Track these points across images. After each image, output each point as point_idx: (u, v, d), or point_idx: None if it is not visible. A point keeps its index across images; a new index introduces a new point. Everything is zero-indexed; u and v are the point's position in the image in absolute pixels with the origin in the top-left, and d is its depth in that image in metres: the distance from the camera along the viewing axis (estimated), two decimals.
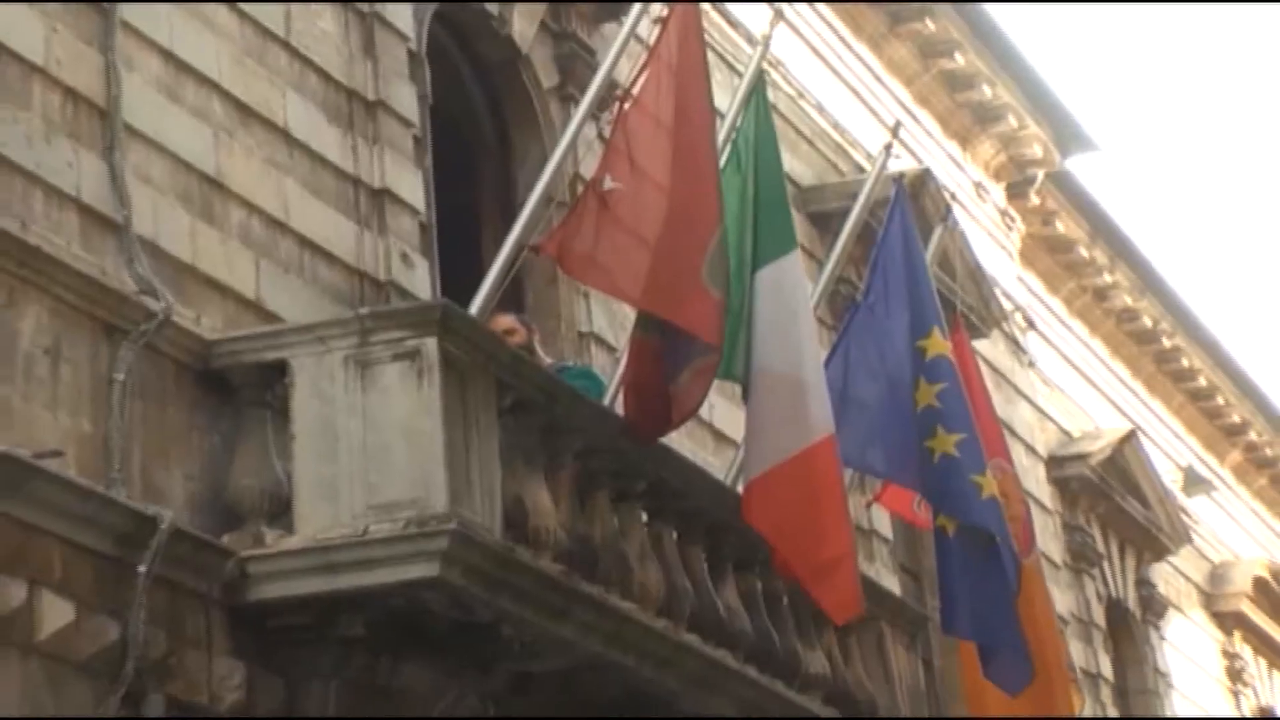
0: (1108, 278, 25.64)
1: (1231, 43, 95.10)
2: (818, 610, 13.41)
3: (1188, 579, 26.70)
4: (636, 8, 13.02)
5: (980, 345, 18.36)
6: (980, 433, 14.49)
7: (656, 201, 11.79)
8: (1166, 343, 27.11)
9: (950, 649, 17.34)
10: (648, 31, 13.02)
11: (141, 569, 9.72)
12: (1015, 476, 16.43)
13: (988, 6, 21.31)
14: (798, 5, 18.40)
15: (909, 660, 15.10)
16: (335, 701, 10.57)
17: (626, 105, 12.23)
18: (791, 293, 12.92)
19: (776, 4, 15.69)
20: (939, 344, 14.27)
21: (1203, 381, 28.14)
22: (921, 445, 13.90)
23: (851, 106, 19.71)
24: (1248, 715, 27.73)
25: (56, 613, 9.36)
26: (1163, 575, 25.36)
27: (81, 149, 10.38)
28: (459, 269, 13.06)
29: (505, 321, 12.12)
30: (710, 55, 12.86)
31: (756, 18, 16.22)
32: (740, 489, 13.34)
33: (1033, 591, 15.15)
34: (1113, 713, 22.89)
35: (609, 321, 14.42)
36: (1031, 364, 22.91)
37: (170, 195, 10.86)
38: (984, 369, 16.93)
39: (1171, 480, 26.46)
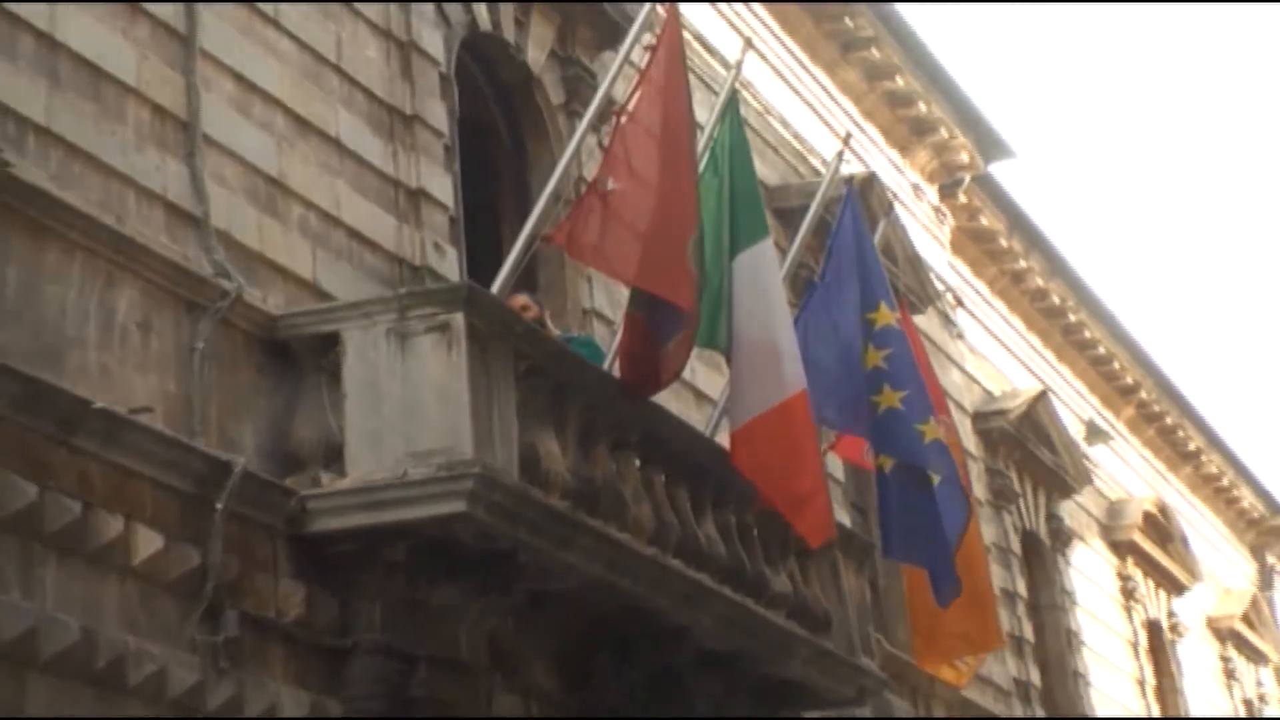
0: (1023, 263, 25.74)
1: (1124, 62, 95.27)
2: (783, 539, 13.46)
3: (1089, 514, 26.75)
4: (630, 37, 13.07)
5: (918, 320, 18.36)
6: (928, 390, 14.56)
7: (647, 199, 11.81)
8: (1072, 317, 27.19)
9: (892, 572, 17.41)
10: (640, 57, 13.05)
11: (218, 506, 9.77)
12: (954, 428, 16.47)
13: (924, 36, 21.37)
14: (764, 34, 18.43)
15: (857, 582, 15.10)
16: (381, 616, 10.61)
17: (623, 119, 12.26)
18: (765, 273, 12.98)
19: (746, 35, 15.85)
20: (886, 315, 14.32)
21: (1102, 350, 28.22)
22: (869, 401, 13.97)
23: (809, 120, 19.75)
24: (1139, 628, 27.77)
25: (148, 542, 9.39)
26: (1068, 511, 25.41)
27: (167, 155, 10.42)
28: (482, 256, 13.08)
29: (521, 299, 12.13)
30: (691, 77, 12.89)
31: (730, 46, 16.23)
32: (718, 440, 13.41)
33: (972, 526, 15.20)
34: (1027, 625, 22.92)
35: (608, 300, 14.44)
36: (960, 335, 22.95)
37: (241, 194, 10.89)
38: (922, 340, 16.94)
39: (1076, 431, 26.51)
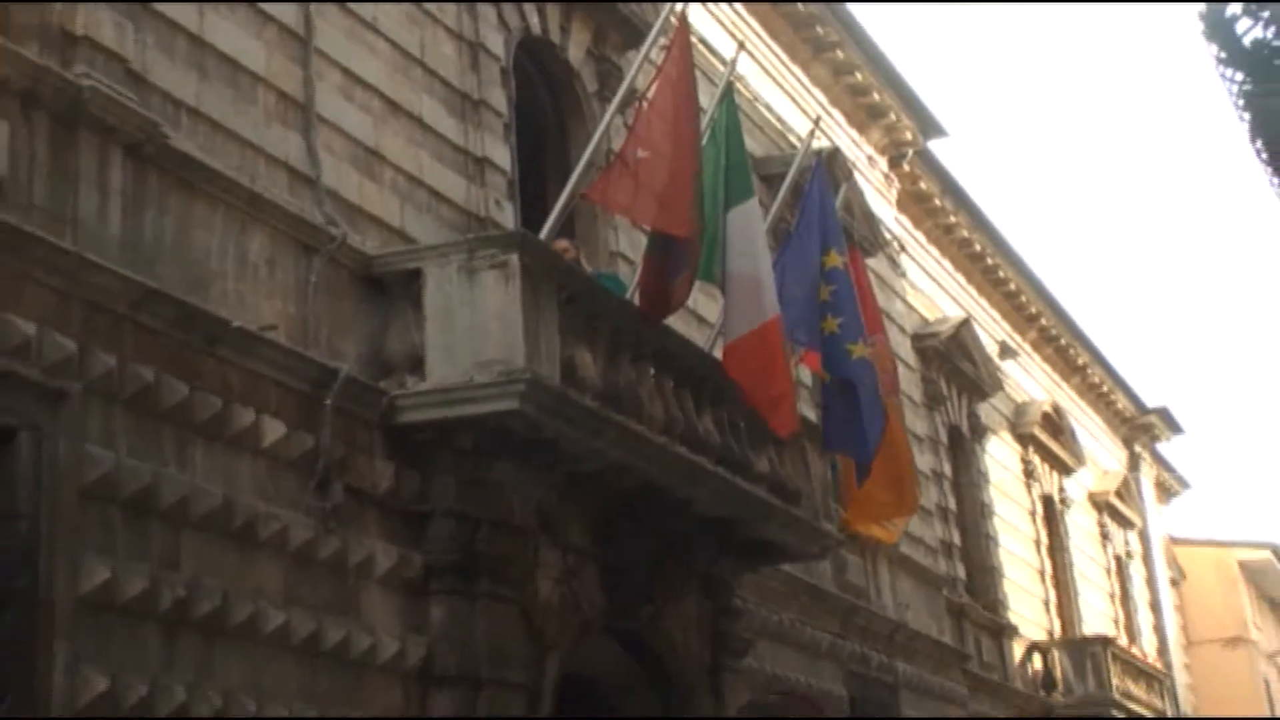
0: (952, 219, 25.66)
1: (1034, 61, 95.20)
2: (763, 431, 13.43)
3: (1000, 413, 26.76)
4: (650, 40, 13.00)
5: (870, 262, 18.32)
6: (864, 318, 14.52)
7: (662, 165, 11.81)
8: (989, 261, 27.12)
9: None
10: (657, 56, 12.98)
11: (328, 402, 9.80)
12: (888, 346, 16.45)
13: (878, 39, 21.30)
14: (754, 39, 18.33)
15: (820, 464, 15.11)
16: (452, 488, 10.62)
17: (643, 104, 12.26)
18: (751, 224, 12.96)
19: (739, 39, 15.80)
20: (834, 259, 14.29)
21: (1012, 286, 28.17)
22: (820, 325, 14.00)
23: (788, 106, 19.66)
24: (1036, 500, 27.82)
25: (273, 430, 9.42)
26: (984, 411, 25.41)
27: (289, 131, 10.40)
28: (532, 210, 13.03)
29: (562, 244, 12.09)
30: (696, 72, 12.81)
31: (727, 48, 16.18)
32: (714, 354, 13.40)
33: (894, 418, 15.22)
34: (950, 498, 22.96)
35: (630, 245, 14.43)
36: (903, 274, 22.89)
37: (345, 161, 10.87)
38: (872, 278, 16.90)
39: (991, 349, 26.48)
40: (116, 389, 8.35)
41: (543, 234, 11.49)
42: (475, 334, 10.48)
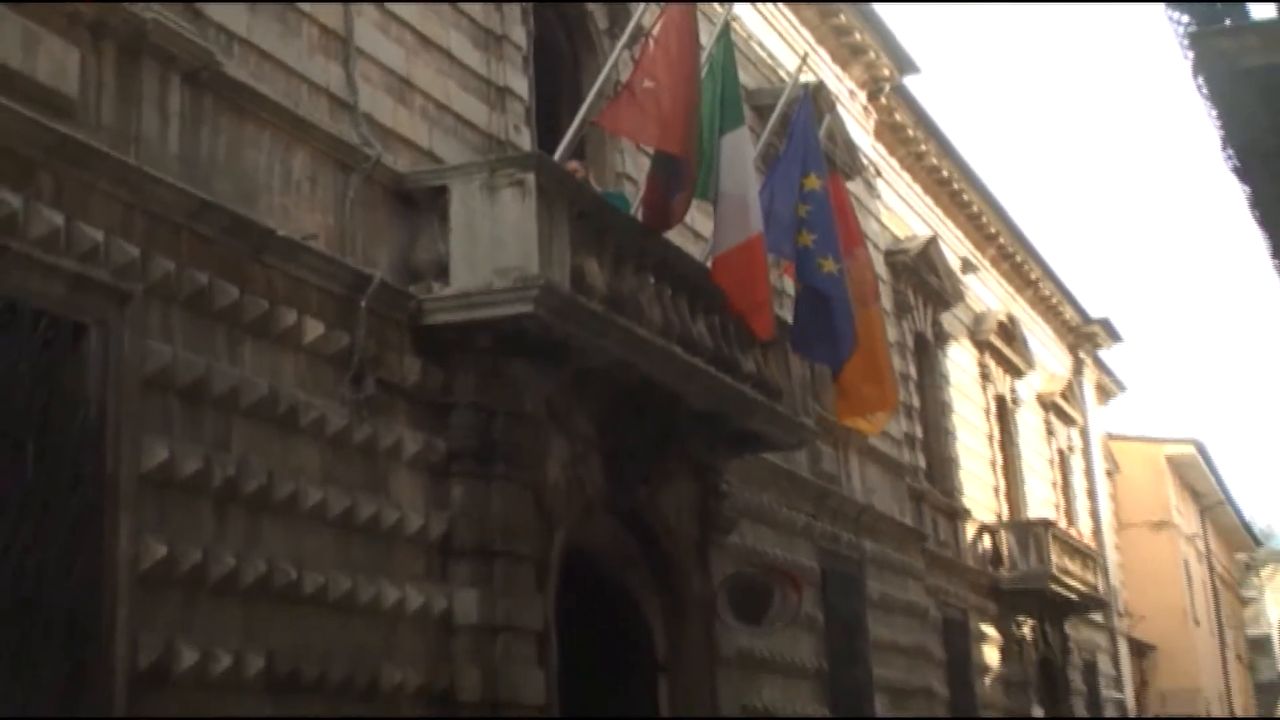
0: (923, 148, 25.46)
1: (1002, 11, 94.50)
2: (750, 333, 13.44)
3: (961, 321, 26.70)
4: None
5: (850, 185, 18.22)
6: (841, 235, 14.46)
7: (664, 95, 11.72)
8: (955, 185, 26.94)
9: None
10: None
11: (362, 304, 9.77)
12: (869, 260, 16.38)
13: None
14: None
15: (800, 365, 15.12)
16: (473, 383, 10.61)
17: (649, 41, 12.14)
18: (742, 149, 12.91)
19: None
20: (813, 182, 14.19)
21: (975, 208, 28.00)
22: (796, 239, 13.94)
23: (778, 45, 19.45)
24: (990, 400, 27.84)
25: (314, 329, 9.40)
26: (946, 320, 25.36)
27: (330, 61, 10.30)
28: (547, 135, 12.92)
29: (573, 165, 12.00)
30: (697, 12, 12.65)
31: None
32: (709, 264, 13.36)
33: (874, 323, 15.20)
34: (915, 397, 22.99)
35: (634, 166, 14.33)
36: (878, 196, 22.75)
37: (381, 89, 10.76)
38: (851, 199, 16.81)
39: (954, 264, 26.37)
40: (175, 290, 8.33)
41: (556, 156, 11.43)
42: (495, 245, 10.43)
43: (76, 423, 7.56)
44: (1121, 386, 41.34)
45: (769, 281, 13.13)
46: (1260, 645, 68.84)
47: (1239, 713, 53.77)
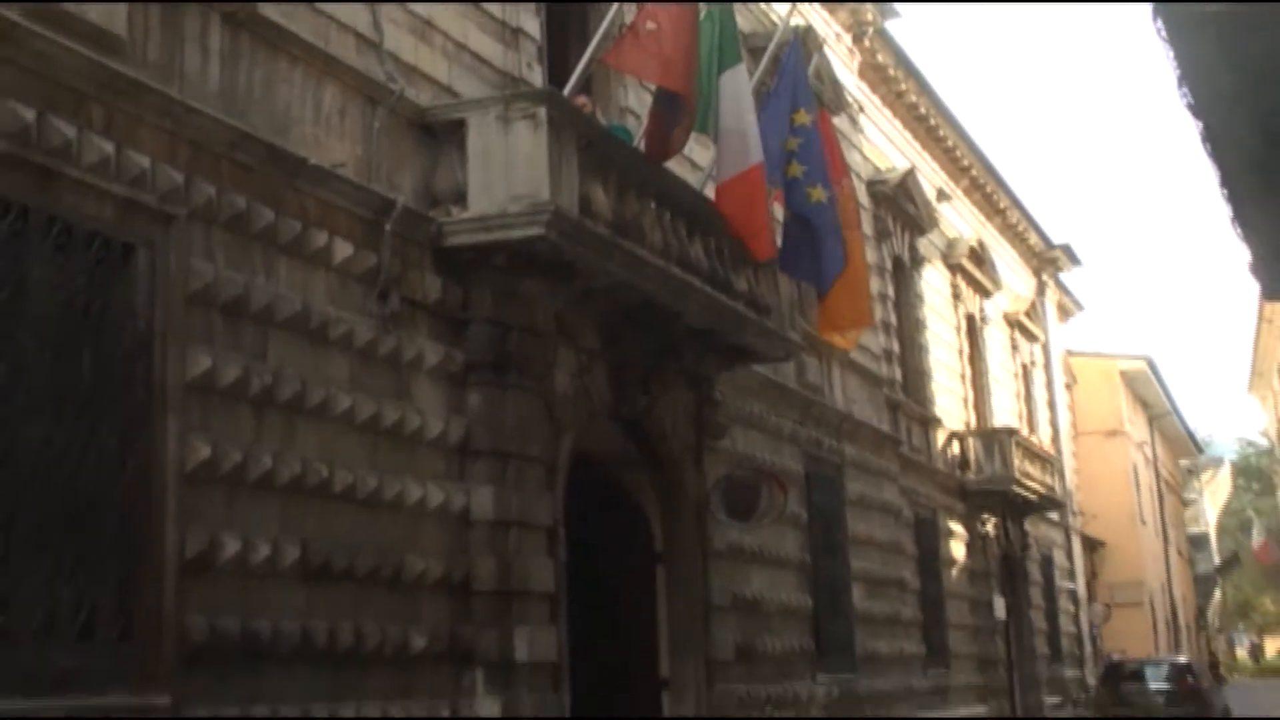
0: (903, 86, 25.19)
1: None
2: (743, 256, 13.38)
3: (935, 246, 26.54)
4: None
5: (835, 120, 18.05)
6: (829, 167, 14.36)
7: (667, 36, 11.60)
8: (932, 121, 26.70)
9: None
10: None
11: (387, 227, 9.69)
12: (852, 190, 16.27)
13: None
14: None
15: (788, 284, 15.05)
16: (489, 300, 10.56)
17: None
18: (740, 86, 12.78)
19: None
20: (803, 117, 14.08)
21: (950, 142, 27.78)
22: (785, 170, 13.85)
23: None
24: (961, 318, 27.76)
25: (343, 249, 9.35)
26: (922, 244, 25.22)
27: (357, 4, 10.11)
28: (558, 72, 12.77)
29: (581, 100, 11.90)
30: None
31: None
32: (706, 192, 13.30)
33: (855, 248, 15.12)
34: (893, 315, 22.92)
35: (638, 102, 14.18)
36: (861, 131, 22.54)
37: (404, 29, 10.60)
38: (837, 134, 16.66)
39: (930, 193, 26.20)
40: (215, 213, 8.27)
41: (566, 91, 11.28)
42: (509, 172, 10.33)
43: (127, 334, 7.54)
44: (1080, 306, 41.26)
45: (769, 208, 13.09)
46: (1199, 542, 69.35)
47: (1178, 600, 54.19)
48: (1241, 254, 10.19)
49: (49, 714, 6.69)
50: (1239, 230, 9.51)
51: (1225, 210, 9.10)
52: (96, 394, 7.29)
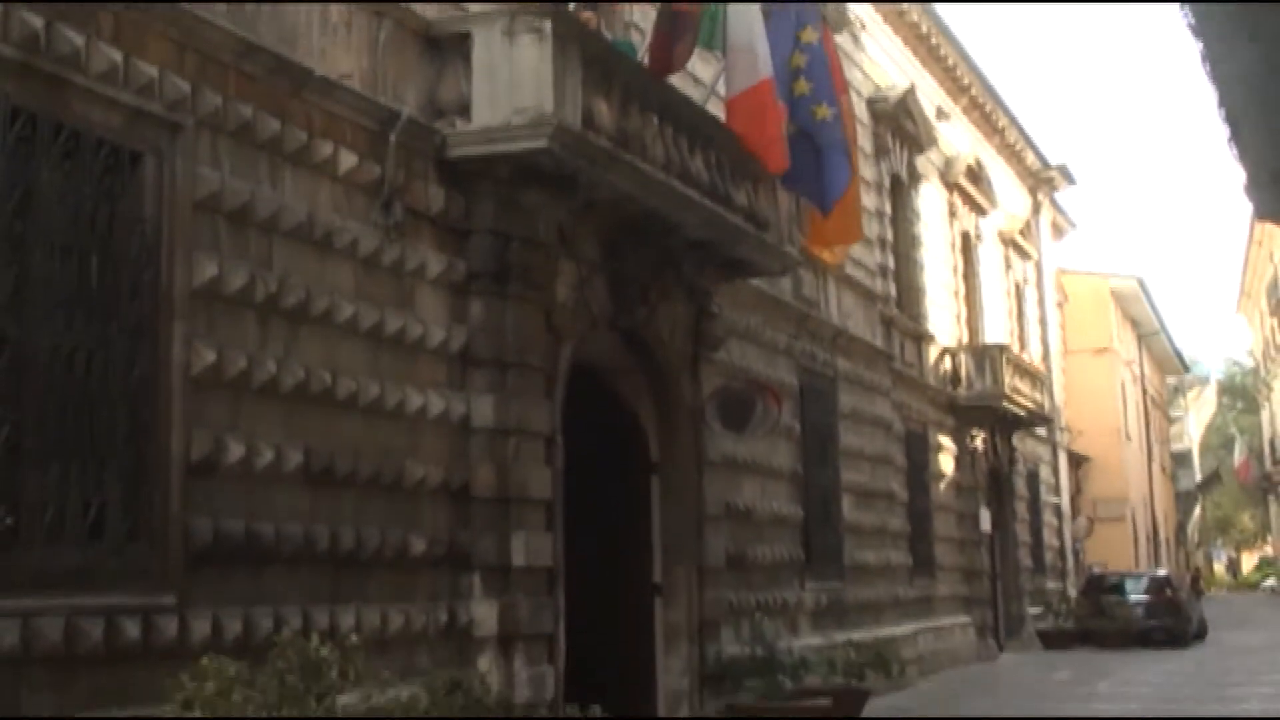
0: (904, 6, 24.92)
1: None
2: (742, 171, 13.34)
3: (933, 164, 26.41)
4: None
5: (838, 38, 17.86)
6: (834, 85, 14.25)
7: None
8: (933, 41, 26.46)
9: None
10: None
11: (392, 138, 9.65)
12: (851, 107, 16.14)
13: None
14: None
15: (786, 198, 15.00)
16: (491, 211, 10.54)
17: None
18: (747, 4, 12.71)
19: None
20: (809, 35, 13.98)
21: (950, 61, 27.53)
22: (792, 87, 13.76)
23: None
24: (957, 235, 27.71)
25: (348, 160, 9.31)
26: (920, 162, 25.09)
27: None
28: None
29: (586, 14, 11.80)
30: None
31: None
32: (708, 108, 13.24)
33: (852, 166, 15.05)
34: (889, 231, 22.86)
35: (642, 17, 14.03)
36: (863, 49, 22.34)
37: None
38: (838, 51, 16.50)
39: (930, 112, 26.00)
40: (222, 123, 8.22)
41: (570, 6, 11.20)
42: (513, 85, 10.25)
43: (134, 240, 7.53)
44: (1073, 225, 41.16)
45: (780, 120, 13.04)
46: (1182, 459, 69.81)
47: (1159, 515, 54.63)
48: (1237, 175, 10.14)
49: (58, 612, 6.77)
50: (1235, 151, 9.49)
51: (1223, 131, 9.07)
52: (104, 300, 7.30)
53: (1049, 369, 34.93)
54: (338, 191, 9.19)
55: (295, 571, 8.44)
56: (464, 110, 10.34)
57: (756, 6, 12.93)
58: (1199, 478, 70.45)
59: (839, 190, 14.01)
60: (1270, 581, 70.45)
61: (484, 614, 10.07)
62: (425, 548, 9.62)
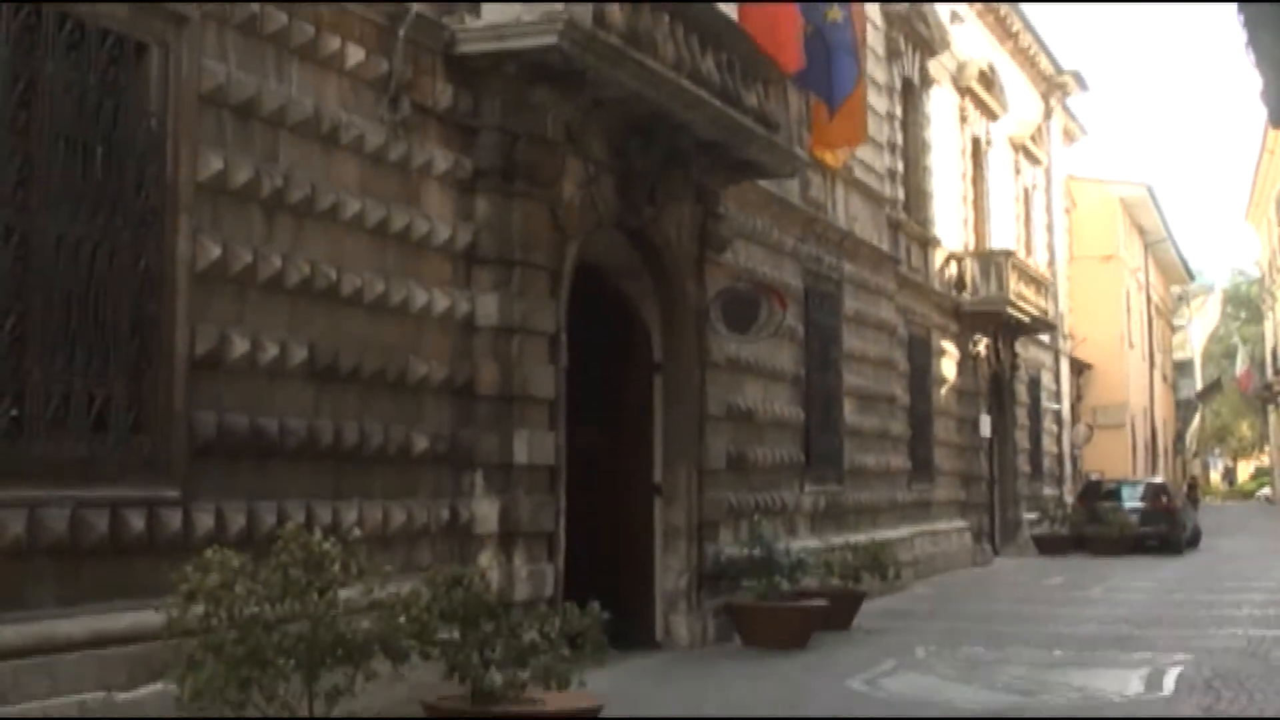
0: None
1: None
2: (754, 72, 13.19)
3: (945, 68, 26.11)
4: None
5: None
6: None
7: None
8: None
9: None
10: None
11: (400, 33, 9.51)
12: (862, 10, 15.92)
13: None
14: None
15: (796, 100, 14.81)
16: (499, 107, 10.42)
17: None
18: None
19: None
20: None
21: None
22: None
23: None
24: (967, 140, 27.47)
25: (355, 55, 9.20)
26: (931, 65, 24.77)
27: None
28: None
29: None
30: None
31: None
32: (719, 7, 13.05)
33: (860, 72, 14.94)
34: (899, 135, 22.63)
35: None
36: None
37: None
38: None
39: (945, 16, 25.62)
40: (229, 15, 8.09)
41: None
42: None
43: (140, 133, 7.45)
44: (1084, 131, 40.83)
45: (795, 20, 12.88)
46: (1184, 368, 69.96)
47: (1159, 423, 54.83)
48: (1252, 82, 10.05)
49: (63, 503, 6.81)
50: (1253, 56, 9.40)
51: (1241, 36, 8.99)
52: (109, 192, 7.24)
53: (1054, 275, 34.83)
54: (345, 86, 9.09)
55: (298, 467, 8.47)
56: (473, 6, 10.20)
57: None
58: (1200, 387, 70.60)
59: (845, 92, 13.90)
60: (1265, 490, 70.96)
61: (485, 511, 10.14)
62: (428, 445, 9.65)
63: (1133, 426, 46.63)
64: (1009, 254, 27.64)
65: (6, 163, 6.68)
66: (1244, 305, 76.51)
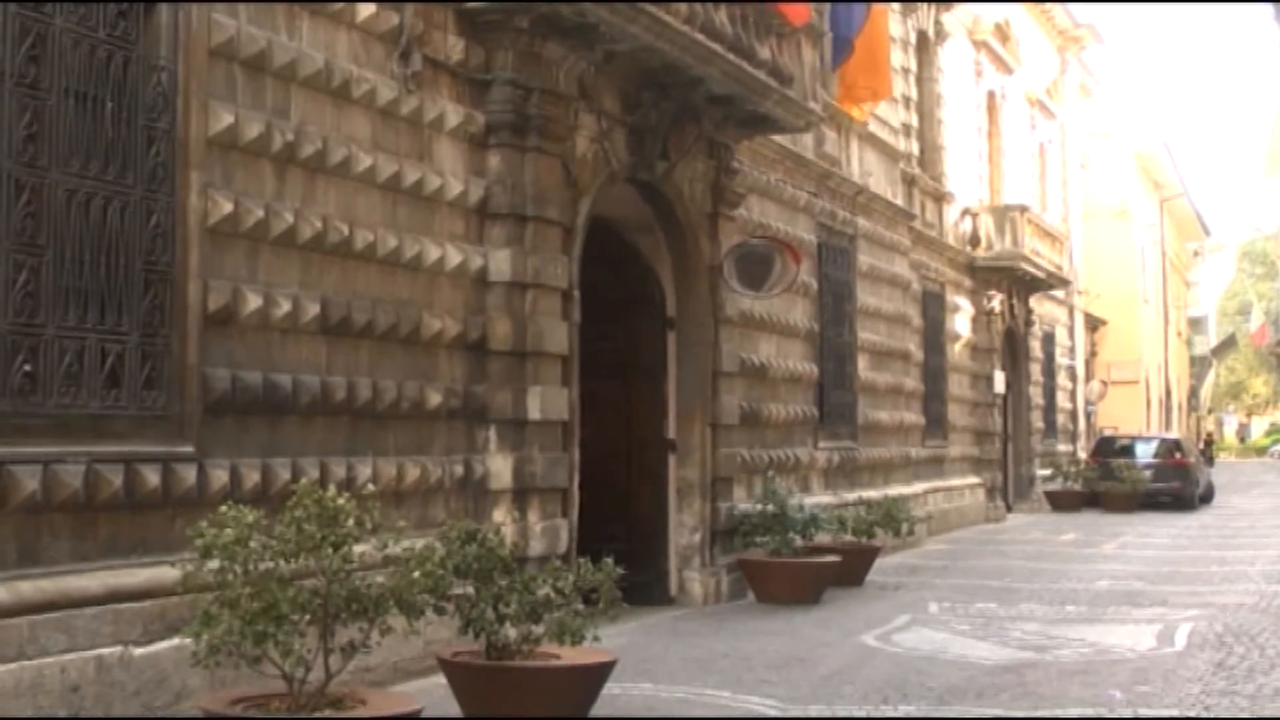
0: None
1: None
2: (768, 25, 13.11)
3: (960, 21, 25.91)
4: None
5: None
6: None
7: None
8: None
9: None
10: None
11: None
12: None
13: None
14: None
15: (813, 55, 14.71)
16: (512, 61, 10.34)
17: None
18: None
19: None
20: None
21: None
22: None
23: None
24: (982, 95, 27.25)
25: (365, 7, 9.13)
26: (947, 18, 24.51)
27: None
28: None
29: None
30: None
31: None
32: None
33: (878, 20, 14.81)
34: (914, 89, 22.46)
35: None
36: None
37: None
38: None
39: None
40: None
41: None
42: None
43: (150, 87, 7.40)
44: (1101, 85, 40.55)
45: None
46: (1198, 324, 69.71)
47: (1173, 380, 54.69)
48: (1272, 39, 9.96)
49: (78, 459, 6.80)
50: (1276, 11, 9.29)
51: None
52: (120, 147, 7.19)
53: (1069, 231, 34.67)
54: (355, 40, 9.02)
55: (312, 423, 8.47)
56: None
57: None
58: (1214, 343, 70.39)
59: (848, 35, 13.83)
60: (1279, 447, 70.80)
61: (499, 467, 10.13)
62: (441, 400, 9.64)
63: (1147, 383, 46.52)
64: (1024, 209, 27.50)
65: (16, 118, 6.63)
66: (1259, 261, 76.18)
